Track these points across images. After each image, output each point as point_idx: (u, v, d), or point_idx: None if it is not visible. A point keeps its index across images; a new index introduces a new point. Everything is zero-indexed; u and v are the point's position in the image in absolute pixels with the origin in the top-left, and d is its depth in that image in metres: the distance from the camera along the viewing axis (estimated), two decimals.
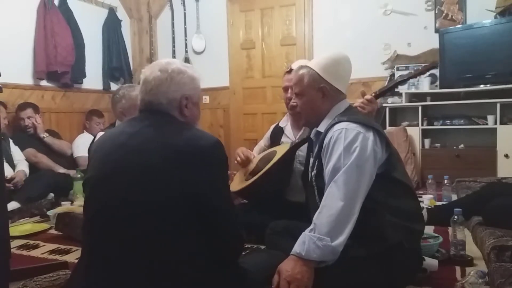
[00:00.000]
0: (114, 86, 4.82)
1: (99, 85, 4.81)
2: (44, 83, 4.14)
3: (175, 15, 5.18)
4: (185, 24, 5.14)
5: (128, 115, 2.27)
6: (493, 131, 3.63)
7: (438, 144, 3.98)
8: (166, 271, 1.08)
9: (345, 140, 1.40)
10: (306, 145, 1.93)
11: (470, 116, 3.81)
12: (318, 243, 1.28)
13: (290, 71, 2.13)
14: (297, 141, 2.10)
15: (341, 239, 1.29)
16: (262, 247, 1.87)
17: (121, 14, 5.09)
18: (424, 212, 2.21)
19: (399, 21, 4.24)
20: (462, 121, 3.82)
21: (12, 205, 2.86)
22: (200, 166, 1.12)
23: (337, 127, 1.44)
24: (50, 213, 2.71)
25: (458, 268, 1.74)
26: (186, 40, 5.15)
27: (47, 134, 3.74)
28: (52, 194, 3.18)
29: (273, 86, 4.81)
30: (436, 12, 4.12)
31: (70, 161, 3.82)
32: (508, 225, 1.90)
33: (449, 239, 1.90)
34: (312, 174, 1.55)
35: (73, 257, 2.02)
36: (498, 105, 3.56)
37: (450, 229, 1.97)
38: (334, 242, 1.28)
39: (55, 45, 3.98)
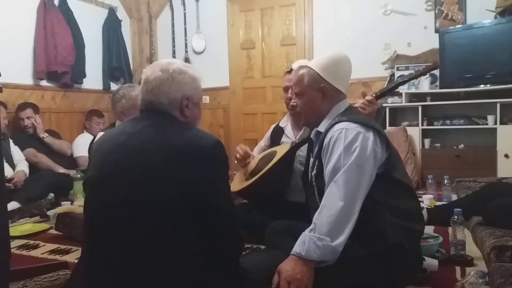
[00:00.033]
0: (114, 86, 4.82)
1: (99, 85, 4.81)
2: (44, 83, 4.14)
3: (175, 15, 5.18)
4: (185, 24, 5.14)
5: (128, 115, 2.27)
6: (493, 131, 3.63)
7: (438, 144, 3.98)
8: (166, 271, 1.07)
9: (345, 140, 1.40)
10: (306, 145, 1.93)
11: (470, 116, 3.81)
12: (318, 243, 1.28)
13: (290, 71, 2.13)
14: (297, 141, 2.10)
15: (341, 239, 1.30)
16: (262, 247, 1.87)
17: (121, 14, 5.09)
18: (424, 212, 2.21)
19: (399, 21, 4.24)
20: (462, 121, 3.82)
21: (12, 205, 2.86)
22: (200, 166, 1.12)
23: (337, 127, 1.44)
24: (50, 213, 2.71)
25: (458, 268, 1.74)
26: (186, 40, 5.15)
27: (47, 134, 3.74)
28: (52, 194, 3.18)
29: (273, 86, 4.81)
30: (436, 12, 4.12)
31: (70, 161, 3.82)
32: (508, 225, 1.90)
33: (449, 239, 1.90)
34: (312, 174, 1.55)
35: (73, 257, 2.02)
36: (498, 105, 3.56)
37: (450, 229, 1.97)
38: (334, 242, 1.29)
39: (55, 45, 3.98)
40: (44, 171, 3.40)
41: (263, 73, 4.95)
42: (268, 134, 2.47)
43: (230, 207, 1.23)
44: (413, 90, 3.95)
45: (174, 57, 5.06)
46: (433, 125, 3.95)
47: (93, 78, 4.62)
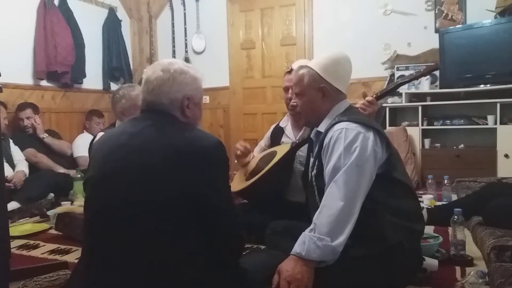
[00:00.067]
0: (114, 86, 4.82)
1: (99, 85, 4.81)
2: (44, 83, 4.14)
3: (175, 15, 5.18)
4: (185, 24, 5.14)
5: (128, 115, 2.27)
6: (493, 131, 3.63)
7: (438, 144, 3.98)
8: (166, 271, 1.07)
9: (345, 140, 1.40)
10: (306, 145, 1.93)
11: (470, 116, 3.81)
12: (318, 243, 1.28)
13: (290, 71, 2.13)
14: (297, 141, 2.10)
15: (341, 239, 1.30)
16: (262, 247, 1.87)
17: (121, 14, 5.09)
18: (424, 212, 2.21)
19: (399, 21, 4.24)
20: (462, 121, 3.82)
21: (12, 205, 2.86)
22: (200, 166, 1.12)
23: (337, 127, 1.44)
24: (50, 213, 2.71)
25: (458, 268, 1.74)
26: (186, 40, 5.15)
27: (47, 135, 3.73)
28: (52, 194, 3.18)
29: (273, 86, 4.81)
30: (436, 12, 4.12)
31: (70, 161, 3.82)
32: (508, 225, 1.90)
33: (449, 239, 1.90)
34: (312, 174, 1.55)
35: (73, 257, 2.02)
36: (498, 105, 3.56)
37: (450, 229, 1.97)
38: (334, 242, 1.29)
39: (55, 45, 3.98)
40: (44, 171, 3.40)
41: (263, 73, 4.95)
42: (268, 134, 2.47)
43: (230, 207, 1.23)
44: (413, 90, 3.95)
45: (174, 57, 5.06)
46: (433, 125, 3.95)
47: (93, 78, 4.62)
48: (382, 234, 1.38)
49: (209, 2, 5.04)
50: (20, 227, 2.58)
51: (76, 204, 2.75)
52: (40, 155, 3.54)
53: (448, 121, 3.88)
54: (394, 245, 1.38)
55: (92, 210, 1.19)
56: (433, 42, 3.99)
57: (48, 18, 3.98)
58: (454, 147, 3.86)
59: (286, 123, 2.35)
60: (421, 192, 3.12)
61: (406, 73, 3.99)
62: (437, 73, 3.85)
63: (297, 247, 1.31)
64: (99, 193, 1.18)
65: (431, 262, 1.66)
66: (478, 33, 3.66)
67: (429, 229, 2.13)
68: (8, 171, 3.08)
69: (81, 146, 3.79)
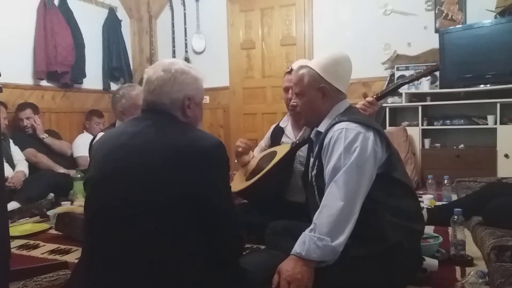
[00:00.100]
0: (114, 86, 4.82)
1: (99, 85, 4.81)
2: (44, 83, 4.14)
3: (175, 15, 5.18)
4: (185, 24, 5.14)
5: (128, 115, 2.27)
6: (493, 131, 3.63)
7: (438, 144, 3.98)
8: (166, 271, 1.07)
9: (345, 140, 1.40)
10: (306, 145, 1.93)
11: (470, 116, 3.81)
12: (319, 243, 1.28)
13: (290, 71, 2.13)
14: (297, 141, 2.10)
15: (341, 239, 1.30)
16: (262, 247, 1.87)
17: (121, 14, 5.09)
18: (424, 212, 2.21)
19: (399, 21, 4.24)
20: (462, 121, 3.82)
21: (12, 205, 2.86)
22: (200, 166, 1.12)
23: (337, 127, 1.44)
24: (50, 213, 2.71)
25: (458, 268, 1.74)
26: (186, 40, 5.15)
27: (47, 135, 3.73)
28: (52, 194, 3.18)
29: (273, 86, 4.81)
30: (436, 12, 4.12)
31: (70, 161, 3.82)
32: (508, 225, 1.90)
33: (449, 239, 1.90)
34: (312, 174, 1.55)
35: (73, 257, 2.02)
36: (498, 105, 3.56)
37: (450, 229, 1.97)
38: (334, 242, 1.29)
39: (55, 45, 3.98)
40: (44, 171, 3.39)
41: (263, 73, 4.94)
42: (268, 134, 2.47)
43: (230, 207, 1.23)
44: (413, 90, 3.95)
45: (174, 57, 5.06)
46: (433, 125, 3.95)
47: (93, 78, 4.62)
48: (382, 234, 1.38)
49: (209, 2, 5.04)
50: (20, 227, 2.58)
51: (76, 204, 2.75)
52: (40, 155, 3.54)
53: (448, 121, 3.88)
54: (394, 245, 1.38)
55: (92, 210, 1.19)
56: (433, 42, 3.99)
57: (48, 18, 3.98)
58: (454, 147, 3.86)
59: (286, 123, 2.35)
60: (421, 192, 3.12)
61: (406, 73, 4.00)
62: (437, 73, 3.85)
63: (297, 247, 1.31)
64: (99, 193, 1.18)
65: (431, 262, 1.66)
66: (478, 33, 3.66)
67: (429, 229, 2.13)
68: (8, 171, 3.08)
69: (81, 146, 3.79)
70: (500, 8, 3.71)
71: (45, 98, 4.13)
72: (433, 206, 2.63)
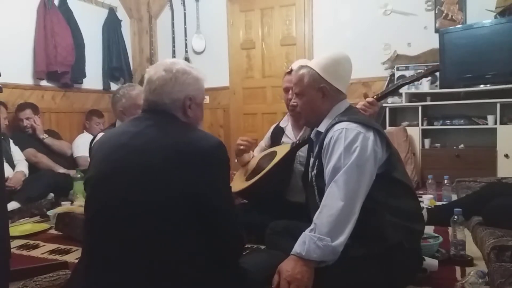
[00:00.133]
0: (114, 86, 4.82)
1: (99, 85, 4.81)
2: (44, 83, 4.14)
3: (175, 15, 5.18)
4: (185, 24, 5.14)
5: (128, 115, 2.27)
6: (493, 131, 3.63)
7: (438, 144, 3.98)
8: (166, 271, 1.07)
9: (345, 140, 1.40)
10: (306, 145, 1.93)
11: (470, 116, 3.81)
12: (319, 243, 1.28)
13: (290, 72, 2.13)
14: (297, 141, 2.10)
15: (342, 239, 1.30)
16: (262, 247, 1.87)
17: (121, 14, 5.09)
18: (424, 212, 2.21)
19: (399, 21, 4.24)
20: (462, 121, 3.82)
21: (12, 205, 2.86)
22: (200, 166, 1.12)
23: (338, 127, 1.44)
24: (50, 213, 2.71)
25: (458, 268, 1.74)
26: (186, 40, 5.15)
27: (47, 135, 3.73)
28: (52, 194, 3.18)
29: (273, 86, 4.81)
30: (436, 12, 4.12)
31: (70, 161, 3.82)
32: (508, 225, 1.90)
33: (449, 239, 1.90)
34: (312, 174, 1.55)
35: (73, 257, 2.02)
36: (498, 105, 3.56)
37: (450, 229, 1.96)
38: (334, 242, 1.29)
39: (55, 45, 3.98)
40: (44, 171, 3.39)
41: (263, 73, 4.94)
42: (268, 134, 2.47)
43: (230, 207, 1.23)
44: (413, 90, 3.95)
45: (174, 57, 5.06)
46: (433, 125, 3.95)
47: (93, 78, 4.62)
48: (382, 234, 1.38)
49: (209, 2, 5.04)
50: (20, 227, 2.58)
51: (76, 204, 2.75)
52: (40, 155, 3.54)
53: (448, 121, 3.88)
54: (394, 245, 1.38)
55: (92, 210, 1.19)
56: (433, 42, 3.99)
57: (48, 18, 3.98)
58: (454, 147, 3.86)
59: (286, 123, 2.35)
60: (421, 192, 3.12)
61: (406, 73, 4.00)
62: (437, 73, 3.85)
63: (297, 247, 1.31)
64: (99, 193, 1.18)
65: (431, 262, 1.66)
66: (478, 33, 3.66)
67: (429, 229, 2.13)
68: (8, 171, 3.08)
69: (81, 146, 3.79)
70: (500, 8, 3.71)
71: (45, 98, 4.13)
72: (433, 206, 2.63)
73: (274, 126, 2.47)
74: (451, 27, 3.92)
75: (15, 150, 3.32)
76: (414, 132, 3.92)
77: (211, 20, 5.03)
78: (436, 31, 4.06)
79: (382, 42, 4.30)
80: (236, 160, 2.35)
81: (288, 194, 2.16)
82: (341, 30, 4.45)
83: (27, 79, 3.97)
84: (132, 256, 1.09)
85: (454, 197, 2.87)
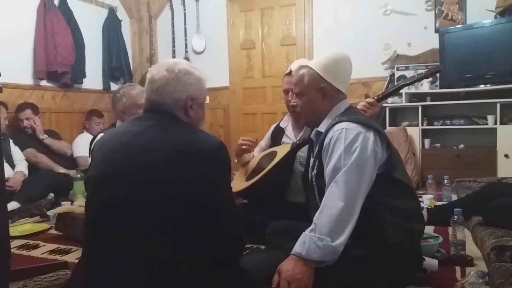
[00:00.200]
0: (114, 86, 4.82)
1: (99, 85, 4.81)
2: (44, 83, 4.14)
3: (175, 15, 5.18)
4: (185, 24, 5.14)
5: (129, 114, 2.28)
6: (493, 131, 3.63)
7: (438, 144, 3.98)
8: (166, 271, 1.07)
9: (345, 140, 1.39)
10: (306, 146, 1.93)
11: (470, 116, 3.81)
12: (319, 243, 1.28)
13: (289, 73, 2.13)
14: (298, 142, 2.10)
15: (342, 239, 1.29)
16: (262, 247, 1.87)
17: (121, 14, 5.09)
18: (424, 212, 2.21)
19: (399, 21, 4.24)
20: (462, 121, 3.82)
21: (12, 205, 2.86)
22: (200, 166, 1.12)
23: (338, 127, 1.44)
24: (50, 213, 2.71)
25: (458, 268, 1.74)
26: (186, 40, 5.15)
27: (46, 136, 3.73)
28: (52, 194, 3.18)
29: (273, 86, 4.81)
30: (436, 12, 4.12)
31: (70, 161, 3.82)
32: (508, 225, 1.90)
33: (449, 239, 1.90)
34: (313, 174, 1.55)
35: (73, 257, 2.02)
36: (498, 105, 3.56)
37: (450, 229, 1.97)
38: (334, 242, 1.28)
39: (55, 45, 3.98)
40: (44, 171, 3.39)
41: (263, 73, 4.94)
42: (268, 134, 2.47)
43: (230, 207, 1.22)
44: (413, 90, 3.95)
45: (174, 57, 5.06)
46: (433, 125, 3.95)
47: (93, 78, 4.62)
48: (382, 234, 1.38)
49: (209, 2, 5.04)
50: (20, 227, 2.58)
51: (76, 204, 2.75)
52: (40, 155, 3.54)
53: (448, 121, 3.88)
54: (394, 245, 1.38)
55: (93, 210, 1.19)
56: (433, 42, 3.99)
57: (48, 18, 3.98)
58: (454, 147, 3.86)
59: (286, 123, 2.35)
60: (421, 192, 3.12)
61: (406, 73, 4.00)
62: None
63: (297, 247, 1.31)
64: (99, 193, 1.18)
65: (431, 262, 1.66)
66: (478, 33, 3.66)
67: (429, 229, 2.13)
68: (8, 171, 3.08)
69: (81, 146, 3.79)
70: (500, 8, 3.71)
71: (45, 98, 4.13)
72: (433, 206, 2.63)
73: (274, 126, 2.47)
74: (451, 27, 3.92)
75: (15, 150, 3.32)
76: (414, 132, 3.92)
77: (211, 20, 5.03)
78: (436, 31, 4.06)
79: (382, 42, 4.30)
80: (236, 160, 2.35)
81: (288, 194, 2.16)
82: (341, 30, 4.45)
83: (27, 79, 3.97)
84: (132, 256, 1.09)
85: (454, 197, 2.87)
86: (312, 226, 1.32)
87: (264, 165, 2.15)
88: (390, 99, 4.01)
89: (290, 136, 2.29)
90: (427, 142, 3.96)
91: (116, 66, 4.89)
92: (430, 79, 3.85)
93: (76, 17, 4.32)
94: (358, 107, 1.80)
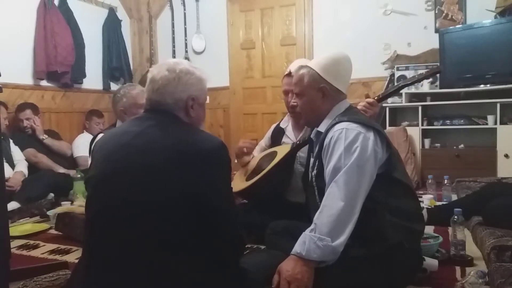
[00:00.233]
0: (114, 86, 4.82)
1: (99, 85, 4.81)
2: (44, 83, 4.14)
3: (175, 15, 5.18)
4: (185, 24, 5.14)
5: (129, 114, 2.28)
6: (493, 131, 3.63)
7: (438, 144, 3.98)
8: (166, 271, 1.07)
9: (345, 140, 1.39)
10: (307, 146, 1.93)
11: (470, 116, 3.81)
12: (319, 243, 1.28)
13: (289, 74, 2.13)
14: (298, 142, 2.10)
15: (342, 239, 1.29)
16: (262, 247, 1.87)
17: (121, 14, 5.09)
18: (424, 212, 2.21)
19: (399, 21, 4.24)
20: (462, 121, 3.82)
21: (12, 205, 2.86)
22: (201, 166, 1.12)
23: (338, 127, 1.44)
24: (50, 213, 2.71)
25: (458, 268, 1.74)
26: (186, 40, 5.15)
27: (46, 136, 3.73)
28: (52, 194, 3.18)
29: (273, 86, 4.81)
30: (436, 12, 4.12)
31: (70, 161, 3.82)
32: (508, 225, 1.90)
33: (449, 239, 1.90)
34: (313, 174, 1.55)
35: (73, 257, 2.02)
36: (498, 105, 3.56)
37: (450, 229, 1.97)
38: (334, 242, 1.28)
39: (55, 45, 3.98)
40: (44, 171, 3.39)
41: (263, 73, 4.94)
42: (268, 134, 2.47)
43: (230, 207, 1.22)
44: (413, 90, 3.95)
45: (174, 57, 5.06)
46: (433, 125, 3.95)
47: (93, 78, 4.62)
48: (382, 234, 1.38)
49: (209, 2, 5.04)
50: (20, 227, 2.58)
51: (76, 204, 2.75)
52: (40, 155, 3.54)
53: (448, 121, 3.88)
54: (394, 245, 1.38)
55: (93, 210, 1.19)
56: (433, 42, 3.99)
57: (48, 18, 3.98)
58: (454, 147, 3.86)
59: (286, 123, 2.35)
60: (421, 192, 3.12)
61: (406, 73, 4.00)
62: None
63: (298, 247, 1.31)
64: (100, 193, 1.18)
65: (431, 262, 1.66)
66: (478, 33, 3.66)
67: (429, 229, 2.13)
68: (8, 171, 3.08)
69: (81, 146, 3.79)
70: (500, 8, 3.71)
71: (45, 98, 4.13)
72: (433, 206, 2.63)
73: (274, 125, 2.47)
74: (451, 27, 3.92)
75: (15, 150, 3.32)
76: (414, 132, 3.92)
77: (211, 20, 5.03)
78: (436, 31, 4.05)
79: (382, 42, 4.30)
80: (236, 161, 2.35)
81: (288, 194, 2.16)
82: (341, 30, 4.45)
83: (27, 79, 3.97)
84: (132, 256, 1.09)
85: (454, 197, 2.87)
86: (312, 226, 1.32)
87: (264, 165, 2.15)
88: (390, 99, 4.00)
89: (290, 136, 2.29)
90: (427, 142, 3.96)
91: (116, 66, 4.89)
92: (430, 79, 3.85)
93: (76, 17, 4.32)
94: (358, 107, 1.80)
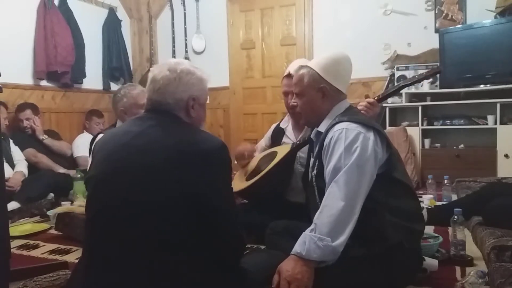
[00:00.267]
0: (114, 86, 4.82)
1: (99, 85, 4.81)
2: (44, 83, 4.14)
3: (175, 15, 5.18)
4: (185, 24, 5.14)
5: (129, 114, 2.28)
6: (493, 131, 3.63)
7: (438, 144, 3.98)
8: (166, 271, 1.07)
9: (345, 140, 1.40)
10: (307, 146, 1.93)
11: (470, 116, 3.81)
12: (319, 243, 1.28)
13: (288, 75, 2.13)
14: (298, 142, 2.10)
15: (342, 239, 1.29)
16: (262, 247, 1.87)
17: (121, 14, 5.09)
18: (424, 212, 2.21)
19: (399, 21, 4.24)
20: (462, 121, 3.82)
21: (12, 205, 2.86)
22: (201, 166, 1.12)
23: (338, 127, 1.44)
24: (50, 213, 2.71)
25: (458, 268, 1.74)
26: (186, 40, 5.15)
27: (46, 136, 3.73)
28: (52, 194, 3.18)
29: (273, 86, 4.81)
30: (436, 12, 4.12)
31: (70, 161, 3.82)
32: (508, 225, 1.90)
33: (449, 239, 1.90)
34: (313, 174, 1.55)
35: (73, 257, 2.02)
36: (498, 105, 3.56)
37: (450, 229, 1.97)
38: (334, 242, 1.28)
39: (55, 45, 3.98)
40: (44, 171, 3.39)
41: (263, 73, 4.94)
42: (269, 134, 2.47)
43: (230, 208, 1.22)
44: (413, 90, 3.95)
45: (174, 57, 5.06)
46: (433, 125, 3.95)
47: (93, 78, 4.62)
48: (382, 234, 1.38)
49: (209, 2, 5.04)
50: (20, 227, 2.58)
51: (76, 204, 2.75)
52: (40, 155, 3.54)
53: (448, 121, 3.88)
54: (394, 245, 1.38)
55: (93, 210, 1.19)
56: (433, 42, 3.99)
57: (48, 18, 3.98)
58: (454, 147, 3.86)
59: (286, 124, 2.35)
60: (421, 192, 3.12)
61: (406, 73, 4.00)
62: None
63: (298, 247, 1.31)
64: (100, 193, 1.18)
65: (431, 262, 1.66)
66: (478, 33, 3.66)
67: (429, 229, 2.13)
68: (8, 171, 3.08)
69: (81, 146, 3.79)
70: (500, 8, 3.71)
71: (45, 98, 4.13)
72: (433, 206, 2.63)
73: (274, 126, 2.47)
74: (451, 27, 3.92)
75: (15, 150, 3.32)
76: (414, 132, 3.92)
77: (211, 20, 5.03)
78: (436, 31, 4.05)
79: (382, 42, 4.29)
80: (235, 161, 2.35)
81: (288, 194, 2.16)
82: (341, 30, 4.45)
83: (27, 79, 3.97)
84: (132, 256, 1.09)
85: (454, 197, 2.87)
86: (312, 226, 1.32)
87: (264, 165, 2.15)
88: (390, 99, 4.00)
89: (290, 136, 2.29)
90: (427, 142, 3.96)
91: (116, 66, 4.89)
92: (430, 79, 3.85)
93: (76, 17, 4.32)
94: (359, 107, 1.80)
